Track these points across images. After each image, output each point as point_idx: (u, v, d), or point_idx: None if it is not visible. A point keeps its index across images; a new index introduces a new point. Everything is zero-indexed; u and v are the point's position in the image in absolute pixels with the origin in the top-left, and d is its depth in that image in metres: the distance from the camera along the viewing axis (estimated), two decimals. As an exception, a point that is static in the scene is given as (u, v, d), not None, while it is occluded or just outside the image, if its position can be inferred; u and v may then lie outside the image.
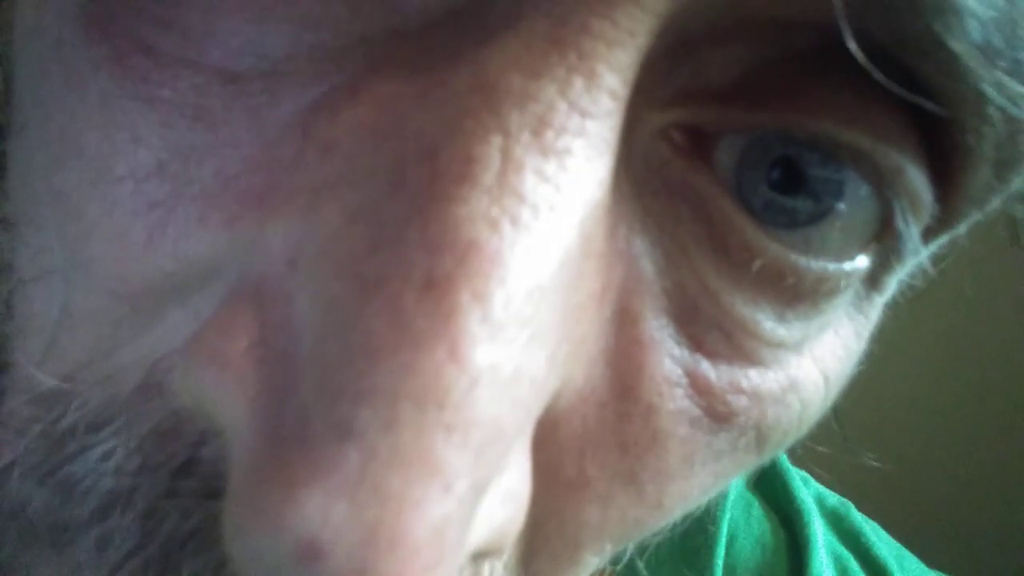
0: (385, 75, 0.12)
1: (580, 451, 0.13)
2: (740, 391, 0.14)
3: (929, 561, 0.35)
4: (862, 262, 0.14)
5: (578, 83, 0.11)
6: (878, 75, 0.12)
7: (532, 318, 0.11)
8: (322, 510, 0.10)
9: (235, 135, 0.12)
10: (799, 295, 0.14)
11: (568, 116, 0.11)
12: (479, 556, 0.13)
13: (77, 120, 0.13)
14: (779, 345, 0.14)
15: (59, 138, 0.13)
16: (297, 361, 0.11)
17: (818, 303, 0.14)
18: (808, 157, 0.13)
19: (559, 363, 0.12)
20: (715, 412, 0.14)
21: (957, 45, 0.11)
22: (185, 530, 0.12)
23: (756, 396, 0.14)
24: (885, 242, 0.14)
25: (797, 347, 0.15)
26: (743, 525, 0.32)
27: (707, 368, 0.14)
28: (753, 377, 0.14)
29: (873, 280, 0.15)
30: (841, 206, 0.13)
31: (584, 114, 0.11)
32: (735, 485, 0.32)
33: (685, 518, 0.17)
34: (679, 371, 0.14)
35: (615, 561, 0.18)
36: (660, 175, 0.13)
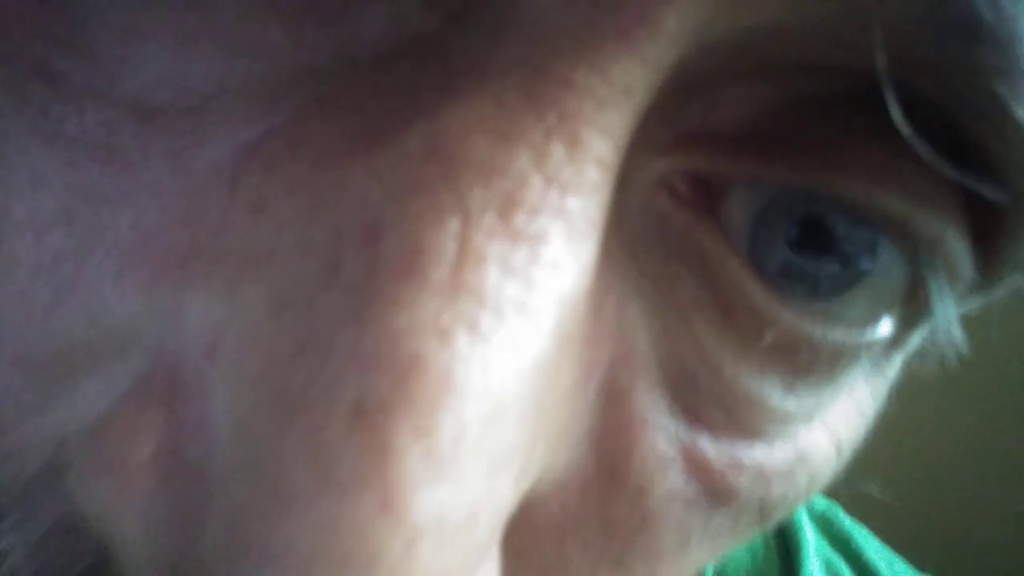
0: (329, 121, 0.10)
1: (559, 534, 0.12)
2: (742, 469, 0.12)
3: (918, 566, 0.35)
4: (885, 328, 0.13)
5: (558, 151, 0.09)
6: (925, 150, 0.10)
7: (492, 445, 0.09)
8: None
9: (154, 182, 0.10)
10: (813, 366, 0.12)
11: (544, 193, 0.09)
12: None
13: None
14: (787, 418, 0.13)
15: None
16: (209, 483, 0.09)
17: (833, 374, 0.13)
18: (836, 217, 0.11)
19: (532, 467, 0.10)
20: (713, 492, 0.12)
21: (1021, 109, 0.10)
22: None
23: (760, 474, 0.13)
24: (912, 306, 0.13)
25: (807, 417, 0.13)
26: None
27: (705, 444, 0.12)
28: (757, 453, 0.13)
29: (895, 341, 0.14)
30: (871, 271, 0.12)
31: (564, 190, 0.09)
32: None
33: None
34: (673, 449, 0.12)
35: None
36: (658, 230, 0.11)
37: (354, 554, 0.08)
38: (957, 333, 0.14)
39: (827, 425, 0.14)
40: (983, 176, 0.11)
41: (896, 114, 0.10)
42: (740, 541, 0.14)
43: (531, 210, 0.09)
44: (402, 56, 0.10)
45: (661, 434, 0.12)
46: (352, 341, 0.08)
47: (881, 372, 0.14)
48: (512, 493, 0.09)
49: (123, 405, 0.10)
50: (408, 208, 0.09)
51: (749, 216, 0.11)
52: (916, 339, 0.14)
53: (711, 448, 0.12)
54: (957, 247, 0.12)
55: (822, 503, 0.35)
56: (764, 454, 0.13)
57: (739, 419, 0.12)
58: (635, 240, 0.11)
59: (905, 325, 0.13)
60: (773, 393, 0.12)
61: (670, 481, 0.12)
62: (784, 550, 0.32)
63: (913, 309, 0.13)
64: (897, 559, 0.35)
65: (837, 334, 0.12)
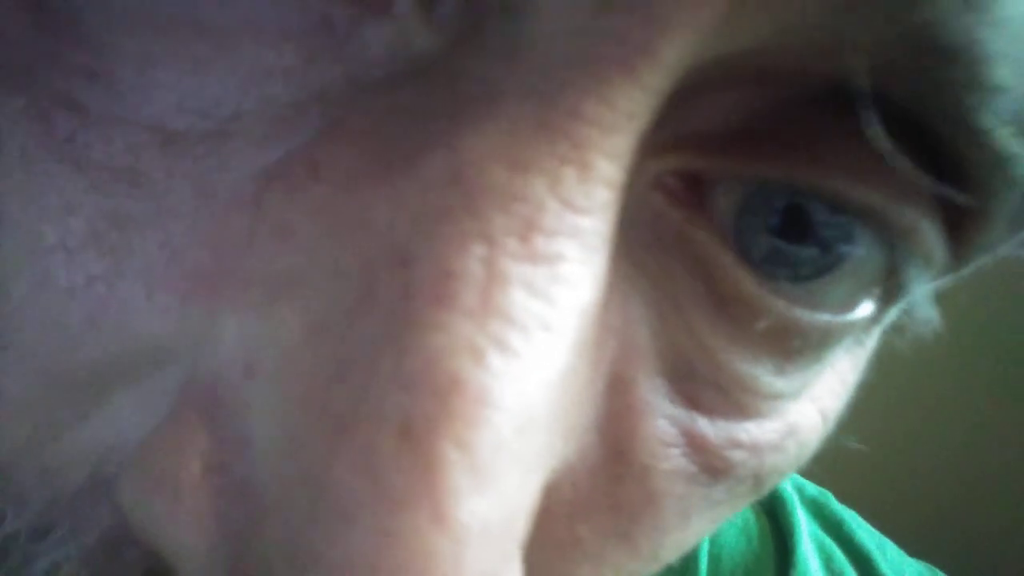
0: (346, 143, 0.10)
1: (571, 516, 0.13)
2: (738, 445, 0.13)
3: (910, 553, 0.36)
4: (866, 309, 0.14)
5: (570, 176, 0.10)
6: (902, 162, 0.11)
7: (524, 452, 0.10)
8: None
9: (179, 204, 0.10)
10: (801, 350, 0.13)
11: (560, 216, 0.10)
12: None
13: None
14: (777, 396, 0.14)
15: None
16: (261, 499, 0.10)
17: (819, 354, 0.14)
18: (815, 206, 0.12)
19: (553, 461, 0.11)
20: (712, 468, 0.13)
21: (989, 120, 0.11)
22: None
23: (754, 448, 0.14)
24: (889, 287, 0.14)
25: (795, 394, 0.14)
26: None
27: (704, 425, 0.13)
28: (751, 430, 0.14)
29: (874, 318, 0.15)
30: (849, 256, 0.13)
31: (577, 211, 0.10)
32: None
33: None
34: (674, 431, 0.13)
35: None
36: (654, 228, 0.12)
37: (411, 561, 0.09)
38: (931, 312, 0.15)
39: (813, 398, 0.15)
40: (955, 175, 0.12)
41: (876, 132, 0.11)
42: (737, 509, 0.15)
43: (549, 232, 0.10)
44: (411, 78, 0.10)
45: (662, 418, 0.13)
46: (394, 363, 0.09)
47: (861, 345, 0.15)
48: (539, 489, 0.10)
49: (165, 422, 0.10)
50: (435, 235, 0.09)
51: (734, 205, 0.12)
52: (893, 315, 0.15)
53: (709, 428, 0.13)
54: (931, 235, 0.13)
55: (813, 488, 0.36)
56: (757, 430, 0.14)
57: (733, 400, 0.13)
58: (634, 239, 0.12)
59: (883, 304, 0.14)
60: (764, 375, 0.13)
61: (672, 460, 0.13)
62: (778, 534, 0.32)
63: (890, 289, 0.14)
64: (888, 542, 0.35)
65: (823, 318, 0.13)
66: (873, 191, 0.12)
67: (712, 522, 0.14)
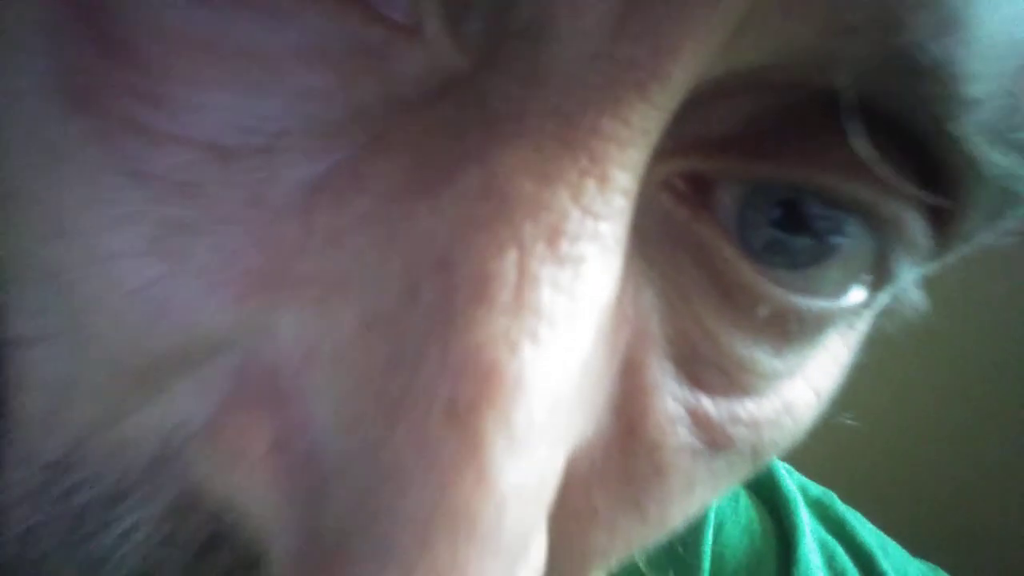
0: (386, 157, 0.11)
1: (587, 487, 0.14)
2: (738, 422, 0.15)
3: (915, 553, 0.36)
4: (857, 295, 0.15)
5: (591, 187, 0.11)
6: (885, 170, 0.12)
7: (552, 428, 0.11)
8: None
9: (233, 212, 0.11)
10: (798, 333, 0.14)
11: (581, 222, 0.11)
12: None
13: (62, 196, 0.12)
14: (775, 376, 0.15)
15: (43, 215, 0.12)
16: (324, 468, 0.11)
17: (814, 337, 0.15)
18: (809, 200, 0.13)
19: (574, 436, 0.12)
20: (715, 443, 0.14)
21: (965, 130, 0.12)
22: None
23: (753, 424, 0.15)
24: (879, 274, 0.15)
25: (791, 374, 0.15)
26: (730, 514, 0.33)
27: (707, 404, 0.14)
28: (750, 407, 0.15)
29: (865, 303, 0.16)
30: (841, 245, 0.14)
31: (597, 217, 0.11)
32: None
33: None
34: (681, 409, 0.14)
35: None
36: (662, 225, 0.13)
37: (460, 517, 0.10)
38: (917, 296, 0.16)
39: (807, 377, 0.16)
40: (934, 173, 0.13)
41: (862, 143, 0.12)
42: (738, 479, 0.16)
43: (573, 238, 0.11)
44: (443, 96, 0.11)
45: (670, 398, 0.14)
46: (440, 354, 0.10)
47: (853, 328, 0.17)
48: (564, 461, 0.12)
49: (230, 405, 0.12)
50: (473, 241, 0.11)
51: (735, 202, 0.13)
52: (883, 300, 0.16)
53: (711, 406, 0.14)
54: (915, 225, 0.14)
55: (817, 489, 0.36)
56: (756, 407, 0.15)
57: (734, 380, 0.14)
58: (645, 236, 0.13)
59: (873, 290, 0.15)
60: (763, 357, 0.14)
61: (679, 436, 0.14)
62: (781, 533, 0.32)
63: (880, 276, 0.15)
64: (890, 541, 0.35)
65: (817, 303, 0.14)
66: (861, 187, 0.13)
67: (714, 491, 0.16)
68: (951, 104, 0.11)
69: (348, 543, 0.10)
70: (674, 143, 0.12)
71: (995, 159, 0.12)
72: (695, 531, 0.31)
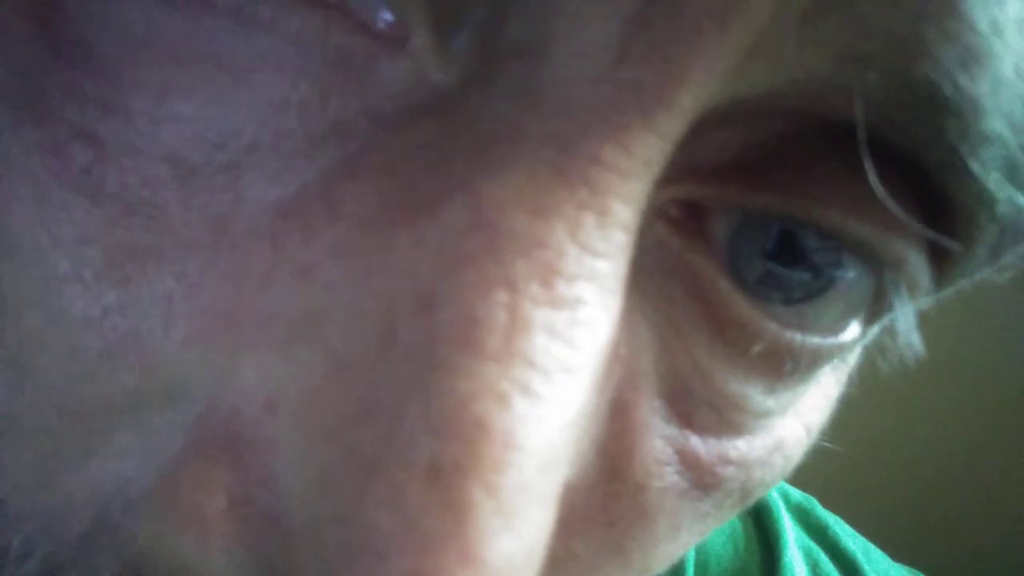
0: (363, 180, 0.10)
1: (567, 531, 0.13)
2: (728, 462, 0.14)
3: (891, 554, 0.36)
4: (853, 332, 0.14)
5: (589, 222, 0.10)
6: (894, 207, 0.11)
7: (545, 488, 0.10)
8: None
9: (195, 238, 0.10)
10: (792, 371, 0.14)
11: (579, 261, 0.10)
12: None
13: (11, 212, 0.11)
14: (767, 414, 0.14)
15: None
16: (289, 529, 0.10)
17: (809, 374, 0.14)
18: (807, 232, 0.13)
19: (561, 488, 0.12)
20: (703, 483, 0.14)
21: (979, 166, 0.11)
22: None
23: (744, 464, 0.14)
24: (875, 308, 0.14)
25: (783, 411, 0.15)
26: None
27: (696, 443, 0.13)
28: (741, 447, 0.14)
29: (859, 338, 0.15)
30: (839, 279, 0.13)
31: (596, 255, 0.10)
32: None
33: None
34: (669, 450, 0.13)
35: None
36: (656, 256, 0.12)
37: None
38: (915, 337, 0.15)
39: (799, 414, 0.15)
40: (941, 208, 0.12)
41: (874, 180, 0.11)
42: (724, 520, 0.15)
43: (569, 277, 0.10)
44: (428, 114, 0.10)
45: (658, 438, 0.13)
46: (420, 408, 0.09)
47: (845, 362, 0.16)
48: (552, 518, 0.10)
49: (185, 456, 0.10)
50: (459, 280, 0.09)
51: (730, 232, 0.13)
52: (874, 333, 0.15)
53: (701, 446, 0.13)
54: (918, 266, 0.13)
55: (798, 494, 0.36)
56: (746, 447, 0.14)
57: (726, 419, 0.13)
58: (639, 268, 0.12)
59: (867, 324, 0.14)
60: (756, 395, 0.14)
61: (666, 477, 0.13)
62: (764, 541, 0.32)
63: (875, 310, 0.14)
64: (872, 547, 0.36)
65: (813, 340, 0.13)
66: (864, 224, 0.12)
67: (700, 533, 0.15)
68: (969, 139, 0.11)
69: None
70: (670, 170, 0.11)
71: (1008, 196, 0.12)
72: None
